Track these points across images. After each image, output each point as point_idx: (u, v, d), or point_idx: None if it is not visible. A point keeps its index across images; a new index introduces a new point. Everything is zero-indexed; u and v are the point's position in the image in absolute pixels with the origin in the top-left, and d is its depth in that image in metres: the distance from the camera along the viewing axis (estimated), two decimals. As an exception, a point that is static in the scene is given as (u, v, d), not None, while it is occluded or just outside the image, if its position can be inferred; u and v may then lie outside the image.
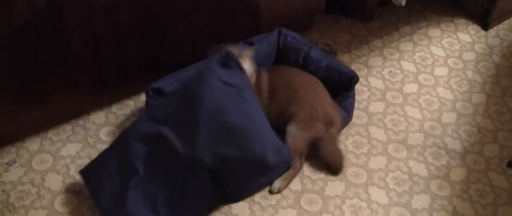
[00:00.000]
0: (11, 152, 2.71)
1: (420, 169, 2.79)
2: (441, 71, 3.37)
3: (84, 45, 2.59)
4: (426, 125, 3.02)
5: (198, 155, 2.23)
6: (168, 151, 2.26)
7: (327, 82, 2.88)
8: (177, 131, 2.27)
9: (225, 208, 2.52)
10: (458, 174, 2.78)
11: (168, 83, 2.74)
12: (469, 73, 3.38)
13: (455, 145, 2.93)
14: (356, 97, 2.99)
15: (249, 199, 2.52)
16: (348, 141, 2.88)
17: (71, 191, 2.59)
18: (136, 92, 2.98)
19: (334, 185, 2.66)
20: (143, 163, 2.26)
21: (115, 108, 2.96)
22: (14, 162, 2.66)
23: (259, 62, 2.81)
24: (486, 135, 3.01)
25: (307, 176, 2.69)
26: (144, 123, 2.33)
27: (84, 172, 2.39)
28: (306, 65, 2.97)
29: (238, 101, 2.34)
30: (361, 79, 3.08)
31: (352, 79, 2.85)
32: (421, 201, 2.65)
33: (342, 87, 2.85)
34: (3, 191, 2.53)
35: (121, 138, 2.39)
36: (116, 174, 2.29)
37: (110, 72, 2.81)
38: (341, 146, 2.82)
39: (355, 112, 2.98)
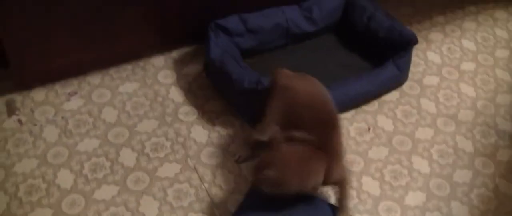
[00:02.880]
0: (73, 84, 2.86)
1: (467, 145, 2.79)
2: (502, 53, 3.35)
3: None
4: (479, 103, 3.01)
5: None
6: None
7: (387, 42, 2.96)
8: None
9: None
10: (505, 154, 2.77)
11: (232, 22, 2.88)
12: (531, 58, 3.31)
13: (506, 126, 2.92)
14: (412, 68, 3.02)
15: None
16: (398, 110, 2.91)
17: (124, 125, 2.72)
18: (197, 41, 3.07)
19: (377, 150, 2.69)
20: None
21: (175, 53, 3.06)
22: (76, 93, 2.80)
23: (325, 17, 3.00)
24: (540, 121, 2.95)
25: (353, 137, 2.72)
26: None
27: None
28: (369, 24, 3.05)
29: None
30: (419, 52, 3.11)
31: (411, 40, 2.90)
32: (462, 176, 2.66)
33: (400, 47, 2.89)
34: (63, 117, 2.67)
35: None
36: None
37: (173, 25, 2.94)
38: (390, 112, 2.85)
39: (408, 83, 3.00)
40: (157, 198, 2.41)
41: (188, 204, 2.42)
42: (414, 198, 2.52)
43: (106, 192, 2.41)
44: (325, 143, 2.17)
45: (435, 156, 2.71)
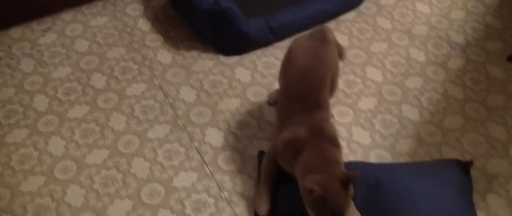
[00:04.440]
0: (48, 21, 3.06)
1: (419, 56, 2.97)
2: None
3: None
4: (433, 19, 3.18)
5: None
6: None
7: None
8: None
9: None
10: (456, 62, 2.94)
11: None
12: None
13: (459, 38, 3.09)
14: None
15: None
16: (354, 28, 3.08)
17: (95, 53, 2.94)
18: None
19: None
20: None
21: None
22: (50, 28, 3.01)
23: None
24: (492, 33, 3.15)
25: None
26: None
27: None
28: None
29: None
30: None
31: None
32: (414, 82, 2.83)
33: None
34: (38, 50, 2.88)
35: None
36: None
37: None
38: (346, 30, 3.09)
39: (366, 4, 3.18)
40: (125, 114, 2.60)
41: (154, 117, 2.64)
42: (367, 103, 2.70)
43: (79, 111, 2.61)
44: (318, 126, 2.14)
45: (388, 66, 2.88)
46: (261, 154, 2.37)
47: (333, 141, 2.11)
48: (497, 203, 2.33)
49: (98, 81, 2.75)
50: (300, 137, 2.09)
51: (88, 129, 2.52)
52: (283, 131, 2.17)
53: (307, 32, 2.52)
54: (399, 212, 2.12)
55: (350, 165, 2.23)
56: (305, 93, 2.19)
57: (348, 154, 2.43)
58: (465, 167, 2.38)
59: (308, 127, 2.10)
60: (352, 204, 2.06)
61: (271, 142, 2.34)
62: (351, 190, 1.98)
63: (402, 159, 2.48)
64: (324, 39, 2.35)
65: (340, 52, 2.50)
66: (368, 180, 2.20)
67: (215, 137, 2.50)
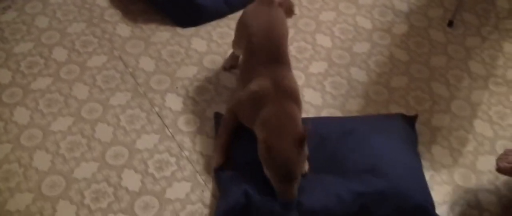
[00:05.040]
0: (7, 0, 3.14)
1: (366, 23, 3.15)
2: None
3: None
4: (379, -11, 3.36)
5: None
6: None
7: None
8: None
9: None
10: (400, 28, 3.14)
11: None
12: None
13: (403, 6, 3.29)
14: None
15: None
16: (303, 0, 3.24)
17: (55, 28, 3.05)
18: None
19: None
20: None
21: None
22: (10, 7, 3.09)
23: None
24: (434, 0, 3.34)
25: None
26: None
27: None
28: None
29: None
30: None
31: None
32: (361, 47, 3.01)
33: None
34: (-1, 28, 2.98)
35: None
36: None
37: None
38: (296, 1, 3.24)
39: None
40: (88, 84, 2.72)
41: (115, 86, 2.76)
42: (317, 67, 2.87)
43: (41, 83, 2.72)
44: (281, 81, 2.29)
45: (336, 33, 3.06)
46: (217, 115, 2.51)
47: (295, 97, 2.26)
48: (440, 153, 2.52)
49: (60, 54, 2.86)
50: (265, 89, 2.23)
51: (52, 99, 2.63)
52: (248, 85, 2.31)
53: None
54: (347, 160, 2.28)
55: (303, 121, 2.37)
56: (267, 48, 2.33)
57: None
58: (410, 120, 2.54)
59: (272, 80, 2.24)
60: (305, 162, 2.22)
61: (233, 97, 2.48)
62: (306, 149, 2.14)
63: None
64: (271, 3, 2.50)
65: (290, 8, 2.68)
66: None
67: (174, 102, 2.64)
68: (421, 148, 2.50)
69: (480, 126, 2.64)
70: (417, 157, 2.41)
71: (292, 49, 2.91)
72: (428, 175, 2.42)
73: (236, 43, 2.63)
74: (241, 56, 2.58)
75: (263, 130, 2.15)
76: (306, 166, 2.27)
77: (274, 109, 2.19)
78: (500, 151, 2.51)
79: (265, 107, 2.21)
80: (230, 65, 2.79)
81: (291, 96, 2.25)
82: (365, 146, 2.34)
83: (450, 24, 3.14)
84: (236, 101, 2.38)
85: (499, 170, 2.16)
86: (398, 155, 2.35)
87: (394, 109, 2.66)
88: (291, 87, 2.26)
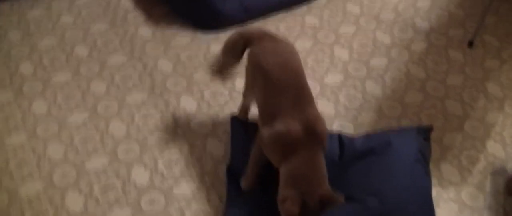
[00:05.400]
0: (36, -2, 3.24)
1: (385, 38, 3.18)
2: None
3: None
4: (400, 6, 3.39)
5: None
6: None
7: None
8: None
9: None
10: (419, 46, 3.15)
11: None
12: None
13: (424, 24, 3.30)
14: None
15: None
16: (324, 12, 3.30)
17: (80, 27, 3.16)
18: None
19: (302, 42, 3.14)
20: None
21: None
22: (37, 4, 3.19)
23: None
24: (455, 20, 3.36)
25: (283, 32, 3.16)
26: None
27: None
28: None
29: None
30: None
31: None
32: (379, 62, 3.03)
33: None
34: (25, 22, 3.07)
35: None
36: None
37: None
38: (318, 14, 3.32)
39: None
40: (106, 81, 2.80)
41: (132, 85, 2.84)
42: (333, 78, 2.90)
43: (62, 76, 2.80)
44: (308, 121, 2.04)
45: (355, 47, 3.08)
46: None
47: (324, 143, 2.08)
48: (449, 171, 2.52)
49: (82, 51, 2.94)
50: (293, 132, 1.99)
51: (70, 94, 2.71)
52: (272, 123, 2.06)
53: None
54: (354, 183, 2.32)
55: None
56: (289, 84, 2.09)
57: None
58: (425, 132, 2.53)
59: (301, 122, 2.01)
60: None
61: (258, 133, 2.24)
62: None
63: (363, 130, 2.66)
64: (276, 38, 2.30)
65: None
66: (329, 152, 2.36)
67: (189, 104, 2.71)
68: (430, 165, 2.49)
69: (493, 147, 2.62)
70: (427, 178, 2.39)
71: (309, 60, 2.93)
72: (435, 191, 2.41)
73: (248, 89, 2.36)
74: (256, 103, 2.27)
75: (286, 184, 1.96)
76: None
77: (302, 162, 1.97)
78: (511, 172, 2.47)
79: (295, 155, 1.99)
80: (243, 118, 2.59)
81: (322, 143, 2.03)
82: (375, 169, 2.34)
83: (470, 44, 3.13)
84: (259, 140, 2.15)
85: None
86: (407, 177, 2.32)
87: (406, 125, 2.67)
88: (323, 131, 2.03)
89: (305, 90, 2.09)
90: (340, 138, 2.49)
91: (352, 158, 2.39)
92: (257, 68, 2.17)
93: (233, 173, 2.35)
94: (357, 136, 2.53)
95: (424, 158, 2.42)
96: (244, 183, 2.29)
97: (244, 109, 2.53)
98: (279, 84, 2.08)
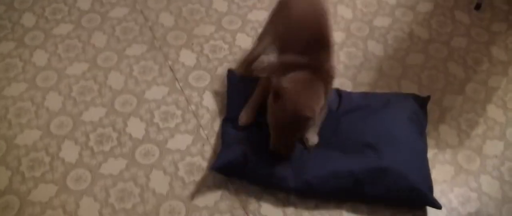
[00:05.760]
0: None
1: (390, -3, 3.12)
2: None
3: None
4: (408, -34, 3.32)
5: None
6: None
7: None
8: None
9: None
10: (424, 6, 3.10)
11: None
12: None
13: (430, -15, 3.24)
14: None
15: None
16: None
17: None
18: None
19: None
20: None
21: None
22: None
23: None
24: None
25: None
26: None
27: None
28: None
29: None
30: None
31: None
32: (382, 21, 3.00)
33: None
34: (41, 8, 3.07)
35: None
36: None
37: None
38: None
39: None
40: (107, 33, 2.82)
41: (132, 37, 2.85)
42: (335, 36, 2.85)
43: (63, 29, 2.87)
44: (319, 66, 2.16)
45: (359, 6, 3.04)
46: (230, 72, 2.54)
47: (327, 81, 2.19)
48: (447, 133, 2.51)
49: (84, 3, 2.97)
50: (302, 61, 2.15)
51: (70, 45, 2.72)
52: (286, 74, 2.16)
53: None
54: (350, 135, 2.34)
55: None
56: (314, 30, 2.20)
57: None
58: (422, 101, 2.53)
59: (313, 61, 2.15)
60: (313, 135, 2.27)
61: (270, 73, 2.34)
62: (315, 121, 2.18)
63: (362, 89, 2.64)
64: None
65: None
66: (326, 106, 2.38)
67: (188, 58, 2.70)
68: (428, 126, 2.49)
69: (493, 111, 2.60)
70: (422, 139, 2.40)
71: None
72: (431, 153, 2.40)
73: (267, 32, 2.47)
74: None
75: (280, 79, 2.09)
76: (314, 139, 2.27)
77: (300, 74, 2.12)
78: (510, 138, 2.47)
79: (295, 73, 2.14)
80: (245, 70, 2.55)
81: (326, 79, 2.17)
82: (370, 122, 2.35)
83: (478, 7, 3.08)
84: (268, 80, 2.26)
85: None
86: (402, 134, 2.33)
87: (406, 85, 2.66)
88: (329, 73, 2.19)
89: (326, 35, 2.17)
90: (338, 91, 2.51)
91: (349, 109, 2.43)
92: (285, 9, 2.29)
93: (229, 121, 2.38)
94: (355, 92, 2.55)
95: (419, 121, 2.42)
96: (242, 117, 2.33)
97: (251, 58, 2.48)
98: (302, 26, 2.19)
